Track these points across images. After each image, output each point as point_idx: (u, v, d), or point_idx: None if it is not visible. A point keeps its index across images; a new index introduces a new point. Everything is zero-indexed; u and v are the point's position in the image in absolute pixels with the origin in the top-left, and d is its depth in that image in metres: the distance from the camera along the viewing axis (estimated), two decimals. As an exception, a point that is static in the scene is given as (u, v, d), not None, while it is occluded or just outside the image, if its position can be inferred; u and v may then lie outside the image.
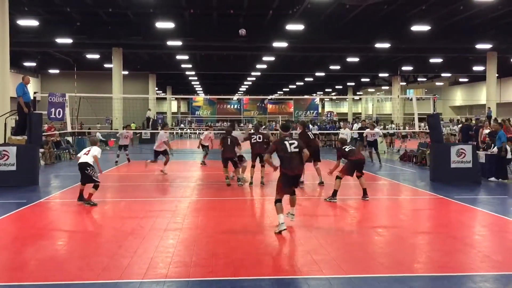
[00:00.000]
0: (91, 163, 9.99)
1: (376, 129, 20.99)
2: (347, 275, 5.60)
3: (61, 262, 6.18)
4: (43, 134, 16.11)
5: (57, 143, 20.46)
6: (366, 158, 14.53)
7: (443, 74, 45.21)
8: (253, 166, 12.66)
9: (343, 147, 10.90)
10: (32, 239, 7.34)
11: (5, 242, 7.22)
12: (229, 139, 12.68)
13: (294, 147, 7.80)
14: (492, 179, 13.57)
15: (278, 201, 7.75)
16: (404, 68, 40.21)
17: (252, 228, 8.00)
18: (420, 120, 20.31)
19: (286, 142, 7.86)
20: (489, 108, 31.75)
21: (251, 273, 5.70)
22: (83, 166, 9.98)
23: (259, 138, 12.71)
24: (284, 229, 7.45)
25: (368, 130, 19.82)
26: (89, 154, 10.08)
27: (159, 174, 15.17)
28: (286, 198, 7.95)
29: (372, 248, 6.99)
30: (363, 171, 10.80)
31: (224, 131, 14.57)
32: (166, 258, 6.25)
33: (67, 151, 21.05)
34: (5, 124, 13.64)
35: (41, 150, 16.27)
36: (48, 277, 5.56)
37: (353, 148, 11.05)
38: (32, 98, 13.77)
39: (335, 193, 10.41)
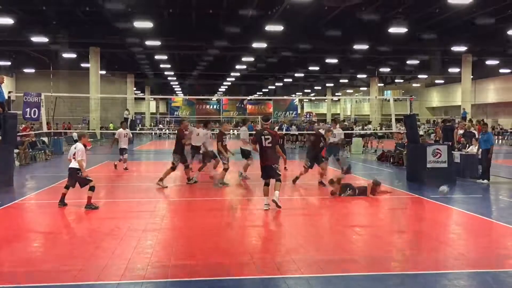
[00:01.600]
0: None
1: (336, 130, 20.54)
2: (326, 274, 5.64)
3: (37, 264, 6.08)
4: (18, 134, 15.81)
5: (33, 144, 20.11)
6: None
7: (419, 76, 45.94)
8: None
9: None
10: (6, 241, 7.20)
11: (-22, 244, 7.07)
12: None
13: (269, 142, 9.22)
14: (485, 181, 13.57)
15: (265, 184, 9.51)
16: (382, 69, 40.72)
17: (231, 228, 8.00)
18: (397, 120, 20.50)
19: (262, 137, 9.36)
20: (464, 109, 32.35)
21: (230, 273, 5.69)
22: (73, 172, 9.67)
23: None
24: (266, 208, 9.12)
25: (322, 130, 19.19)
26: (76, 158, 9.68)
27: (138, 174, 15.08)
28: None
29: (350, 247, 7.05)
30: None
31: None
32: (144, 259, 6.21)
33: (42, 151, 20.70)
34: (-21, 124, 13.32)
35: (16, 150, 15.96)
36: (23, 279, 5.46)
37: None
38: (6, 97, 13.49)
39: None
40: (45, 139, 22.78)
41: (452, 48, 28.71)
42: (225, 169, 12.40)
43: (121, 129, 16.90)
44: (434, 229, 8.21)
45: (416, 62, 37.29)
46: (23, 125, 22.48)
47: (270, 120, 10.03)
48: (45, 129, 16.96)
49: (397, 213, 9.85)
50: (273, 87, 58.06)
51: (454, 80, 43.68)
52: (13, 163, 13.52)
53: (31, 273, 5.67)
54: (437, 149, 13.61)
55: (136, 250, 6.66)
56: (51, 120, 23.91)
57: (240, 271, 5.78)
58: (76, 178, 9.67)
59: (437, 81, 51.59)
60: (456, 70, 37.04)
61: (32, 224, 8.69)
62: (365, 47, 28.10)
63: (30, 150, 19.31)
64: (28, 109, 13.42)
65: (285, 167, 15.44)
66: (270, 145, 9.33)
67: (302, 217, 9.41)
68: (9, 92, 14.60)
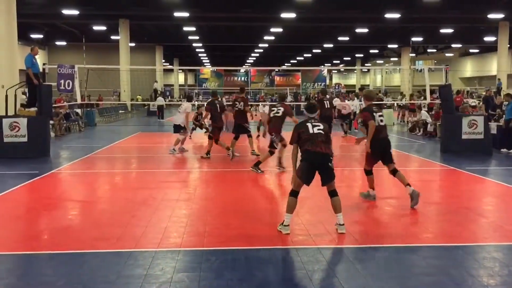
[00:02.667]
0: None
1: (350, 101, 20.57)
2: (361, 245, 5.62)
3: (76, 231, 6.25)
4: (53, 106, 16.12)
5: (67, 115, 20.50)
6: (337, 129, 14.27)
7: (453, 45, 44.53)
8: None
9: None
10: (46, 210, 7.41)
11: (20, 212, 7.30)
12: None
13: (318, 129, 6.16)
14: (504, 150, 13.45)
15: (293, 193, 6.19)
16: (414, 39, 39.61)
17: (264, 199, 8.03)
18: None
19: (308, 124, 6.22)
20: (499, 79, 31.35)
21: (265, 243, 5.73)
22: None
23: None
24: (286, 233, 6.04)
25: (337, 101, 19.36)
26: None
27: (169, 145, 15.23)
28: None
29: (384, 219, 7.00)
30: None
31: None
32: (180, 228, 6.30)
33: (76, 123, 21.11)
34: (15, 96, 13.64)
35: (51, 122, 16.30)
36: (63, 246, 5.62)
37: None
38: (41, 70, 13.73)
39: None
40: (79, 110, 23.18)
41: (488, 16, 27.65)
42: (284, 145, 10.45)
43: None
44: (470, 201, 8.06)
45: (450, 30, 36.14)
46: (58, 97, 22.85)
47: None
48: (79, 101, 17.21)
49: (432, 184, 9.70)
50: (302, 58, 57.33)
51: (490, 49, 42.24)
52: (49, 134, 13.82)
53: (71, 241, 5.83)
54: (473, 120, 13.28)
55: (171, 219, 6.76)
56: (84, 92, 24.24)
57: (274, 241, 5.80)
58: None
59: (471, 50, 49.99)
60: (492, 38, 35.75)
61: (69, 193, 8.91)
62: (397, 15, 27.32)
63: (65, 121, 19.71)
64: (62, 81, 13.64)
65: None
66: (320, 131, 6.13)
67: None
68: (43, 64, 14.84)
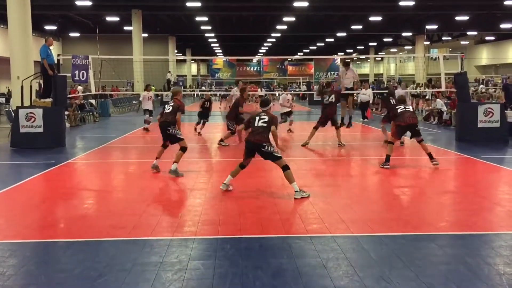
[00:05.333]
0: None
1: (364, 90, 20.35)
2: (376, 234, 5.61)
3: (92, 220, 6.32)
4: (68, 96, 16.26)
5: (81, 106, 20.67)
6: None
7: (469, 33, 43.84)
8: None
9: (396, 107, 10.01)
10: (62, 199, 7.51)
11: (36, 201, 7.40)
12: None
13: (263, 122, 7.54)
14: None
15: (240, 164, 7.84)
16: (428, 26, 39.06)
17: (278, 188, 8.02)
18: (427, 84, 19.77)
19: (257, 117, 7.65)
20: (516, 67, 30.86)
21: (279, 231, 5.74)
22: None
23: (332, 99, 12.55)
24: (221, 188, 7.72)
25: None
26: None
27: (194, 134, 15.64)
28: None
29: (399, 208, 6.97)
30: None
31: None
32: (195, 217, 6.34)
33: (91, 113, 21.27)
34: (30, 87, 13.76)
35: (66, 112, 16.45)
36: (80, 234, 5.69)
37: (406, 110, 9.85)
38: (56, 61, 13.83)
39: (388, 158, 9.63)
40: (93, 101, 23.35)
41: (505, 2, 27.14)
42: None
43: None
44: (486, 190, 7.99)
45: (465, 18, 35.57)
46: (72, 88, 23.06)
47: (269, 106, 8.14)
48: (93, 91, 17.35)
49: (447, 173, 9.62)
50: (315, 47, 56.94)
51: (506, 37, 41.55)
52: (65, 125, 13.95)
53: (87, 229, 5.89)
54: (489, 108, 13.11)
55: (186, 208, 6.80)
56: (98, 83, 24.40)
57: (288, 229, 5.82)
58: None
59: (487, 38, 49.20)
60: (509, 25, 35.14)
61: (85, 183, 9.01)
62: (411, 3, 26.95)
63: (79, 112, 19.88)
64: (76, 72, 13.72)
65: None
66: (264, 124, 7.58)
67: (347, 178, 9.34)
68: (58, 55, 14.94)
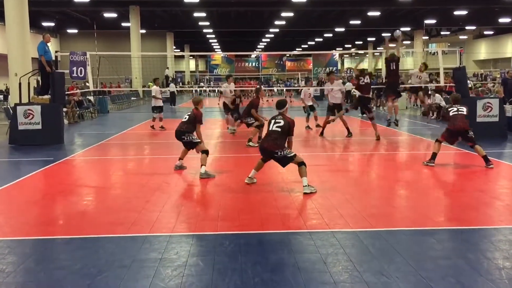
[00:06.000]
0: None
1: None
2: (375, 229, 5.61)
3: (91, 216, 6.31)
4: (66, 93, 16.23)
5: (80, 103, 20.64)
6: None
7: (467, 27, 43.83)
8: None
9: (449, 108, 9.51)
10: (62, 195, 7.50)
11: (36, 198, 7.39)
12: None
13: (277, 126, 7.44)
14: None
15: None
16: (427, 21, 39.03)
17: (277, 184, 8.02)
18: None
19: (272, 120, 7.56)
20: (515, 61, 30.87)
21: (278, 227, 5.75)
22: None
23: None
24: (247, 182, 7.91)
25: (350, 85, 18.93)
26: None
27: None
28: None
29: (398, 203, 6.97)
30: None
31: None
32: (194, 213, 6.34)
33: (89, 110, 21.24)
34: (28, 83, 13.73)
35: (64, 109, 16.43)
36: (79, 231, 5.68)
37: (458, 113, 9.26)
38: (53, 57, 13.79)
39: (433, 156, 9.37)
40: (91, 98, 23.31)
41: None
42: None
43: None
44: (485, 184, 7.99)
45: (464, 12, 35.55)
46: (70, 85, 23.00)
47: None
48: (91, 88, 17.32)
49: (446, 168, 9.62)
50: (313, 42, 56.87)
51: (505, 31, 41.53)
52: (63, 121, 13.94)
53: (86, 225, 5.89)
54: (488, 102, 13.11)
55: (185, 205, 6.80)
56: (96, 79, 24.35)
57: (288, 225, 5.82)
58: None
59: (486, 32, 49.18)
60: (507, 20, 35.12)
61: (84, 179, 9.00)
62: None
63: (78, 108, 19.85)
64: (74, 68, 13.70)
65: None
66: (279, 129, 7.47)
67: (346, 173, 9.34)
68: (56, 52, 14.91)
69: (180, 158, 9.26)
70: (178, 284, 4.18)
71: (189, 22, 38.03)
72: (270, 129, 7.51)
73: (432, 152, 9.48)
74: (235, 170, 9.38)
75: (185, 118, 8.95)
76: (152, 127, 16.25)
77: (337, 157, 11.13)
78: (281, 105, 7.69)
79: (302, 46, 61.06)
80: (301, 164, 7.37)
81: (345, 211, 6.29)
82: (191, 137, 8.83)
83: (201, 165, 8.58)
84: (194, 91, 46.62)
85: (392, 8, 33.08)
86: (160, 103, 16.45)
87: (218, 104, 18.50)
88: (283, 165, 7.56)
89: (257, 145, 12.04)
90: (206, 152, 8.75)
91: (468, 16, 37.18)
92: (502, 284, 4.12)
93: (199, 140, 8.83)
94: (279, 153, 7.34)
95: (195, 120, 8.78)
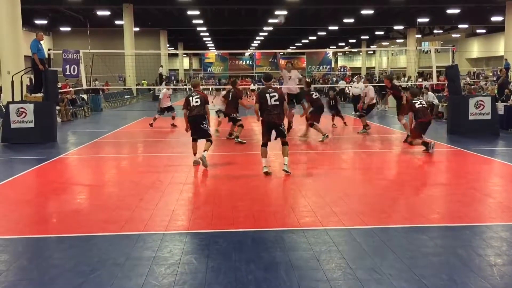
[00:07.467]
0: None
1: (355, 84, 19.38)
2: (368, 226, 5.64)
3: (85, 215, 6.30)
4: (59, 91, 16.15)
5: (73, 101, 20.54)
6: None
7: (460, 26, 43.99)
8: None
9: (413, 101, 9.91)
10: (54, 194, 7.48)
11: (28, 196, 7.36)
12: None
13: (275, 100, 8.11)
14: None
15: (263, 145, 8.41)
16: (420, 20, 39.15)
17: (270, 182, 8.04)
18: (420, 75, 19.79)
19: (267, 95, 8.16)
20: (506, 59, 30.96)
21: (272, 224, 5.76)
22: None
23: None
24: (266, 172, 8.22)
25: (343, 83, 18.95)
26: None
27: (175, 129, 15.31)
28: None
29: (391, 200, 7.00)
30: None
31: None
32: (187, 211, 6.34)
33: (82, 108, 21.15)
34: (21, 81, 13.65)
35: (57, 107, 16.35)
36: (72, 229, 5.67)
37: (422, 106, 9.89)
38: (46, 55, 13.72)
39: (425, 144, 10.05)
40: (85, 96, 23.21)
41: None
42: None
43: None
44: (477, 182, 8.04)
45: (456, 11, 35.67)
46: (63, 83, 22.88)
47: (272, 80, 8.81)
48: (84, 86, 17.23)
49: (439, 165, 9.68)
50: (307, 41, 56.89)
51: (497, 30, 41.72)
52: (56, 119, 13.87)
53: (79, 224, 5.88)
54: (480, 100, 13.19)
55: (179, 202, 6.80)
56: (90, 78, 24.27)
57: (281, 223, 5.83)
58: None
59: (478, 31, 49.41)
60: (499, 18, 35.26)
61: (77, 178, 8.97)
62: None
63: (71, 107, 19.76)
64: (67, 66, 13.63)
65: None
66: (277, 102, 8.16)
67: (339, 170, 9.37)
68: (49, 50, 14.83)
69: (195, 153, 9.30)
70: (172, 282, 4.18)
71: (183, 20, 37.91)
72: (269, 103, 8.07)
73: (422, 142, 10.20)
74: (228, 167, 9.38)
75: (196, 102, 8.98)
76: (151, 125, 16.18)
77: (330, 155, 11.15)
78: (269, 77, 8.42)
79: (296, 44, 61.07)
80: (286, 143, 8.28)
81: (338, 208, 6.31)
82: (208, 127, 9.14)
83: (204, 150, 8.92)
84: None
85: (385, 7, 33.14)
86: (169, 103, 16.48)
87: (213, 102, 18.44)
88: (284, 136, 8.33)
89: (245, 141, 12.13)
90: (211, 140, 9.22)
91: (460, 14, 37.30)
92: (493, 280, 4.16)
93: (211, 134, 9.25)
94: (282, 126, 8.21)
95: (206, 101, 9.05)
